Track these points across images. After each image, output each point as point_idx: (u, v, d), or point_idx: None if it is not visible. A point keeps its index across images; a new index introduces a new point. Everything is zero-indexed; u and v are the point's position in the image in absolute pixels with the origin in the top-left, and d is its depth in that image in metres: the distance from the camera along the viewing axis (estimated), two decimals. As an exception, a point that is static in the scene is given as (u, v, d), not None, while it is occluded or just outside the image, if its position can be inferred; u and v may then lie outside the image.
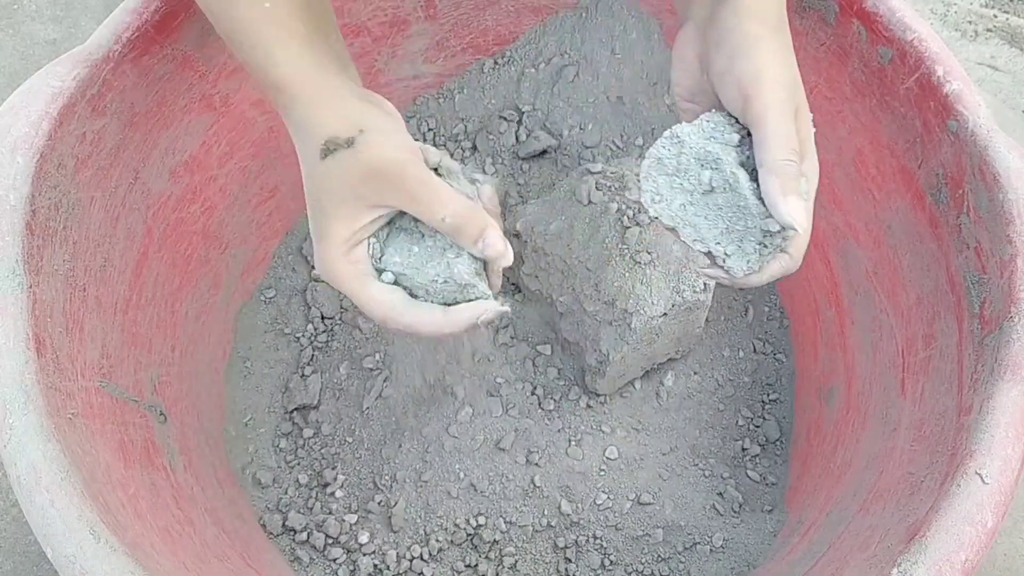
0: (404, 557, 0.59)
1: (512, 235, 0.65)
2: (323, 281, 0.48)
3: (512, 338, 0.67)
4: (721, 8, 0.44)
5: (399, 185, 0.42)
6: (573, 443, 0.62)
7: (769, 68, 0.42)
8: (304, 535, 0.60)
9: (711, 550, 0.60)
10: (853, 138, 0.59)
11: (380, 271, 0.45)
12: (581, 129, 0.73)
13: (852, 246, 0.62)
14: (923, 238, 0.54)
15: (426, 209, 0.43)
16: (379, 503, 0.61)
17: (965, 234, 0.49)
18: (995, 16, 1.07)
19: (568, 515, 0.60)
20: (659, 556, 0.60)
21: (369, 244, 0.45)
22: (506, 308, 0.46)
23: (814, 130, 0.44)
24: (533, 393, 0.65)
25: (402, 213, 0.45)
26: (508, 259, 0.44)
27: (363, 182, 0.42)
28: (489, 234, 0.43)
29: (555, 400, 0.64)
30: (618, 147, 0.73)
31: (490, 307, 0.45)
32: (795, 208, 0.41)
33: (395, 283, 0.45)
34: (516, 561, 0.59)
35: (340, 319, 0.69)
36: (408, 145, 0.43)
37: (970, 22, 1.07)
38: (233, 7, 0.44)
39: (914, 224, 0.55)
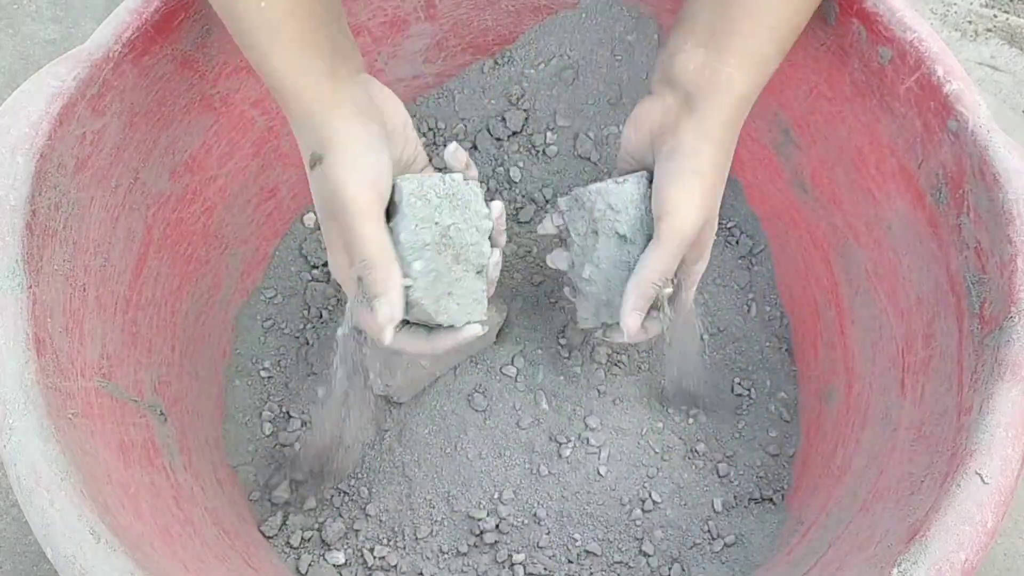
0: (404, 558, 0.59)
1: None
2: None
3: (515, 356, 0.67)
4: (686, 118, 0.49)
5: (341, 218, 0.46)
6: (573, 445, 0.62)
7: (684, 209, 0.48)
8: (303, 535, 0.60)
9: (712, 550, 0.60)
10: (853, 138, 0.59)
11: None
12: (580, 131, 0.73)
13: (852, 246, 0.62)
14: (923, 238, 0.54)
15: (351, 247, 0.46)
16: (379, 504, 0.61)
17: (965, 234, 0.49)
18: (995, 16, 1.07)
19: (569, 517, 0.60)
20: (659, 557, 0.60)
21: None
22: (481, 330, 0.50)
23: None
24: (534, 394, 0.65)
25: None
26: (386, 339, 0.46)
27: (329, 200, 0.46)
28: (381, 302, 0.46)
29: (555, 401, 0.64)
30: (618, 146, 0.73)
31: (470, 331, 0.50)
32: (631, 321, 0.50)
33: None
34: (515, 559, 0.59)
35: (333, 320, 0.69)
36: (369, 178, 0.46)
37: (970, 22, 1.07)
38: (233, 9, 0.45)
39: (914, 224, 0.55)
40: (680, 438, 0.65)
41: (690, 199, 0.48)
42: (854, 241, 0.62)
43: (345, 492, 0.62)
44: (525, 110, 0.73)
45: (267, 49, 0.45)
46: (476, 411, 0.62)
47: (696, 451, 0.64)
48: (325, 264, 0.72)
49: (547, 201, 0.74)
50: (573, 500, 0.61)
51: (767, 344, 0.70)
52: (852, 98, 0.58)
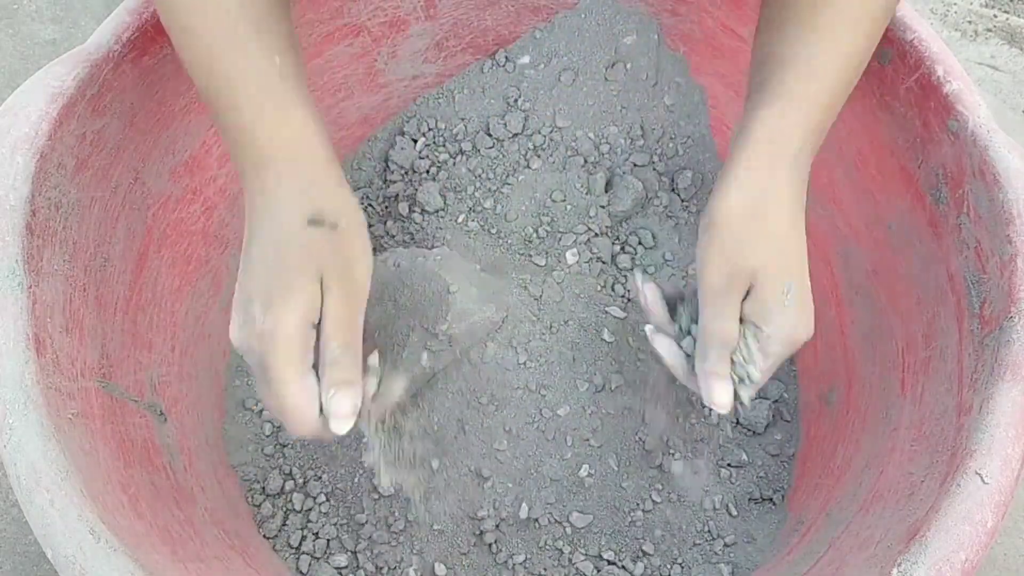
0: (404, 558, 0.59)
1: None
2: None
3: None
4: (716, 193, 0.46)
5: (348, 289, 0.43)
6: (574, 447, 0.62)
7: (708, 260, 0.45)
8: (303, 535, 0.60)
9: (712, 550, 0.60)
10: (853, 138, 0.59)
11: None
12: (580, 129, 0.73)
13: (852, 246, 0.62)
14: (923, 238, 0.54)
15: (344, 320, 0.43)
16: (378, 505, 0.61)
17: (965, 234, 0.49)
18: (995, 16, 1.07)
19: (570, 517, 0.60)
20: (659, 557, 0.60)
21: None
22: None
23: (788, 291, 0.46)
24: (534, 395, 0.65)
25: None
26: (346, 427, 0.43)
27: (331, 257, 0.43)
28: (343, 390, 0.43)
29: (556, 405, 0.64)
30: (618, 146, 0.73)
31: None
32: (717, 391, 0.46)
33: None
34: (515, 559, 0.59)
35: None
36: (369, 259, 0.45)
37: (970, 22, 1.07)
38: (234, 69, 0.43)
39: (914, 224, 0.55)
40: (681, 439, 0.65)
41: (704, 247, 0.46)
42: (854, 241, 0.62)
43: (345, 492, 0.62)
44: (525, 110, 0.73)
45: (286, 104, 0.43)
46: (474, 412, 0.62)
47: (696, 452, 0.64)
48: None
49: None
50: (573, 501, 0.61)
51: (767, 344, 0.70)
52: (852, 98, 0.58)
